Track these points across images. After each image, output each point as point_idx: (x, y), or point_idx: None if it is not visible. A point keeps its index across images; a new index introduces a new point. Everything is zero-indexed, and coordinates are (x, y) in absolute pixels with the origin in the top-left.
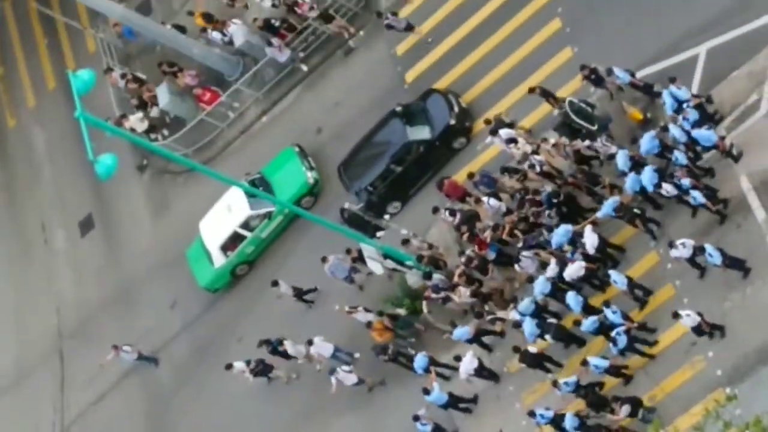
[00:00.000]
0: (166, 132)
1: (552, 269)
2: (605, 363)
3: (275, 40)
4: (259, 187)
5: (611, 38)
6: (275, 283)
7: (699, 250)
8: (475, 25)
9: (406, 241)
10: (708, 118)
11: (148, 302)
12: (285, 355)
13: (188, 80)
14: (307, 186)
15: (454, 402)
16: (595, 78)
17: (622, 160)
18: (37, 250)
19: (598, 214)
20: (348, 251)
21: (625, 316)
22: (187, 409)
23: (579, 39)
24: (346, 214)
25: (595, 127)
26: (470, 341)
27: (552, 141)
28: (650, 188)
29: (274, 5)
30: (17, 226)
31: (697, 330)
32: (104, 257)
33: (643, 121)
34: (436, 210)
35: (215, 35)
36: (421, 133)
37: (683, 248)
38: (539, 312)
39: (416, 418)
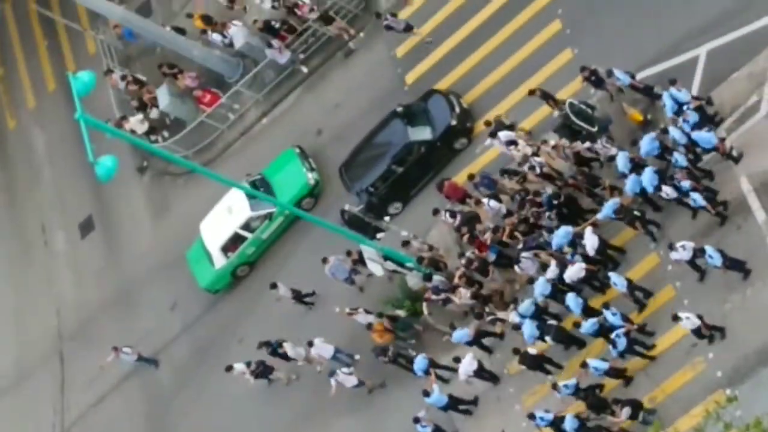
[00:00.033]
0: (166, 134)
1: (552, 271)
2: (605, 365)
3: (275, 42)
4: (259, 188)
5: (611, 40)
6: (274, 286)
7: (699, 251)
8: (475, 26)
9: (406, 243)
10: (708, 120)
11: (149, 304)
12: (285, 357)
13: (188, 82)
14: (307, 187)
15: (454, 404)
16: (595, 79)
17: (622, 161)
18: (38, 251)
19: (599, 216)
20: (348, 253)
21: (625, 318)
22: (187, 410)
23: (579, 40)
24: (347, 216)
25: (595, 129)
26: (470, 343)
27: (552, 143)
28: (650, 189)
29: (274, 7)
30: (17, 227)
31: (698, 333)
32: (104, 259)
33: (643, 122)
34: (436, 212)
35: (215, 37)
36: (423, 133)
37: (683, 251)
38: (539, 314)
39: (416, 420)
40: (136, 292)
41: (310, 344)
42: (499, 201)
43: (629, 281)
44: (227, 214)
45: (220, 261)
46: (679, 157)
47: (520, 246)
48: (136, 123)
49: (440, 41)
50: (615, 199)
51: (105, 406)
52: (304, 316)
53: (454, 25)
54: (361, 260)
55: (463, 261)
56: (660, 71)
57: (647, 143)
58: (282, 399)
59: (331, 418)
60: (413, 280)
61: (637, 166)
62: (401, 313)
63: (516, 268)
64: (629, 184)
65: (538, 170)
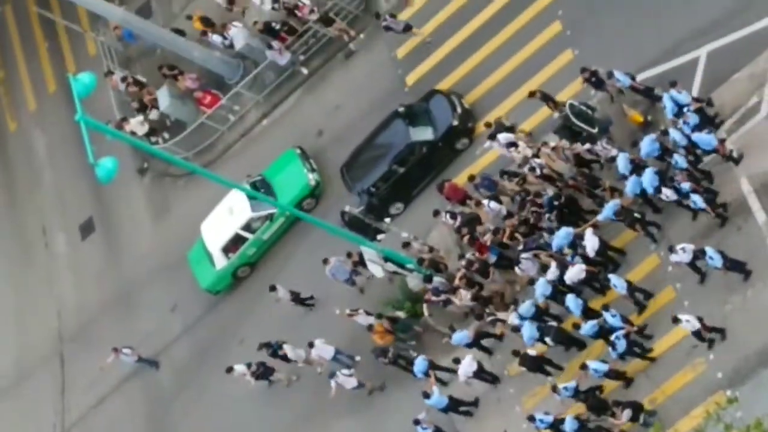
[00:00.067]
0: (166, 135)
1: (552, 272)
2: (605, 367)
3: (276, 43)
4: (260, 189)
5: (612, 41)
6: (273, 288)
7: (700, 253)
8: (475, 28)
9: (406, 244)
10: (708, 121)
11: (149, 305)
12: (285, 359)
13: (189, 83)
14: (308, 188)
15: (454, 405)
16: (595, 81)
17: (622, 163)
18: (38, 253)
19: (599, 217)
20: (349, 254)
21: (625, 320)
22: (187, 411)
23: (579, 42)
24: (347, 217)
25: (595, 130)
26: (469, 345)
27: (552, 144)
28: (651, 190)
29: (274, 8)
30: (18, 229)
31: (698, 335)
32: (105, 260)
33: (643, 124)
34: (436, 213)
35: (216, 38)
36: (424, 133)
37: (683, 253)
38: (539, 315)
39: (417, 422)
40: (136, 294)
41: (311, 345)
42: (500, 202)
43: (629, 283)
44: (228, 215)
45: (221, 262)
46: (680, 159)
47: (521, 247)
48: (137, 124)
49: (441, 42)
50: (615, 201)
51: (105, 407)
52: (305, 317)
53: (455, 26)
54: (361, 261)
55: (464, 262)
56: (660, 72)
57: (647, 145)
58: (282, 400)
59: (331, 419)
60: (413, 282)
61: (637, 168)
62: (401, 314)
63: (516, 269)
64: (629, 186)
65: (538, 172)
